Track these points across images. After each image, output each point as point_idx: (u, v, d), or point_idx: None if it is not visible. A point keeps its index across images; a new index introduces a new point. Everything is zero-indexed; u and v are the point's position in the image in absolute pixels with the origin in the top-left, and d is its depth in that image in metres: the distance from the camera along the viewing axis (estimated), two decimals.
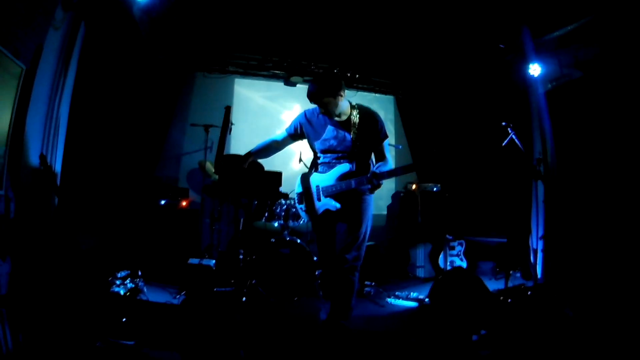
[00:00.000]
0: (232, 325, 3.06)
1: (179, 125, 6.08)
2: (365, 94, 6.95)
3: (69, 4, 3.75)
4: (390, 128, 7.28)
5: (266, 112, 6.74)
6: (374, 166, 3.15)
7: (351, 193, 3.02)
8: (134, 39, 4.83)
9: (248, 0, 5.02)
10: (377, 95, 7.03)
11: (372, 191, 3.01)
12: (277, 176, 3.04)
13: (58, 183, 3.74)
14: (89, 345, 2.74)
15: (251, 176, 3.04)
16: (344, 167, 3.05)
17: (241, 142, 6.33)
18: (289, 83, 6.32)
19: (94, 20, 4.10)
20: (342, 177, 3.04)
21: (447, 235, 5.54)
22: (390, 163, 3.13)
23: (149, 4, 4.44)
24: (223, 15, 5.26)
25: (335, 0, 4.99)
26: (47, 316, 2.82)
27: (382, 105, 7.30)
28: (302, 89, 6.39)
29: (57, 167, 3.81)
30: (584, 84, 4.98)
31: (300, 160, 4.65)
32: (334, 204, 3.03)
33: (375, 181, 2.89)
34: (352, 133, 3.05)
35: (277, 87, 6.68)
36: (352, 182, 2.98)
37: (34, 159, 3.41)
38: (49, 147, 3.65)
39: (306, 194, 3.14)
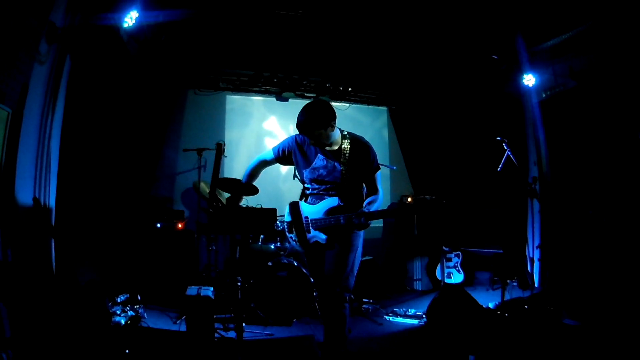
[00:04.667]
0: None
1: (172, 144, 6.02)
2: (358, 106, 6.92)
3: (53, 36, 3.67)
4: (384, 141, 7.26)
5: (258, 128, 6.69)
6: (365, 198, 3.07)
7: (340, 226, 2.93)
8: (123, 61, 4.78)
9: (238, 16, 4.96)
10: (370, 106, 6.99)
11: (359, 229, 2.93)
12: (271, 213, 2.99)
13: (53, 221, 3.71)
14: None
15: (244, 216, 2.99)
16: (332, 202, 2.98)
17: (235, 161, 6.29)
18: (281, 98, 6.28)
19: (80, 49, 4.03)
20: (331, 212, 2.97)
21: (444, 247, 5.53)
22: (382, 195, 3.07)
23: (136, 29, 4.38)
24: (213, 31, 5.21)
25: (326, 14, 4.94)
26: (52, 356, 2.82)
27: (376, 117, 7.27)
28: (294, 103, 6.39)
29: (51, 202, 3.77)
30: (579, 93, 4.98)
31: (295, 176, 4.62)
32: (323, 237, 2.97)
33: (364, 220, 2.83)
34: (341, 164, 2.97)
35: (269, 102, 6.63)
36: (341, 218, 2.90)
37: (27, 200, 3.38)
38: (41, 184, 3.60)
39: (296, 225, 3.02)
